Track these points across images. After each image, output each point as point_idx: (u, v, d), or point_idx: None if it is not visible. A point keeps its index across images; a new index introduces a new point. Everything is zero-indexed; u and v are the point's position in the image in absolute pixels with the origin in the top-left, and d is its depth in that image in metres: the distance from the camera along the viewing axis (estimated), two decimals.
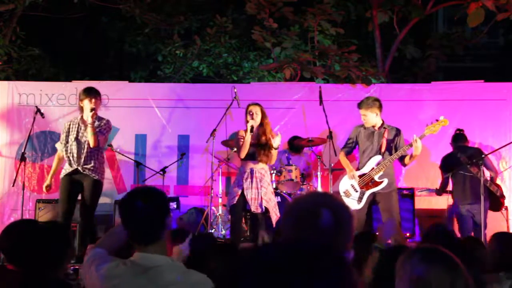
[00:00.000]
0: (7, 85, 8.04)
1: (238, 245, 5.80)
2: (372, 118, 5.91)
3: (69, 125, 6.02)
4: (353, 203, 5.84)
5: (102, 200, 6.35)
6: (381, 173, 5.80)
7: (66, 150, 5.93)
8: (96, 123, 5.86)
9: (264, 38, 9.32)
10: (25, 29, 10.18)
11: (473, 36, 11.46)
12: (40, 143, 7.81)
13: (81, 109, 5.93)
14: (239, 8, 11.13)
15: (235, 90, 6.96)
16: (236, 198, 5.81)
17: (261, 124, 5.91)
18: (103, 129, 5.93)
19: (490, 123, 7.55)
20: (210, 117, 7.35)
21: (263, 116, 5.92)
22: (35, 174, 7.75)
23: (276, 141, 5.81)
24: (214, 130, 6.80)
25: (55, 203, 7.27)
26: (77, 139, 5.90)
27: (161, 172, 7.40)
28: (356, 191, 5.88)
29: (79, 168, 5.85)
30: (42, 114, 7.06)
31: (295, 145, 7.44)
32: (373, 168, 5.83)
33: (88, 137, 5.79)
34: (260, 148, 5.87)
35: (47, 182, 6.20)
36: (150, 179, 7.44)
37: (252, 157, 5.88)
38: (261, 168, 5.91)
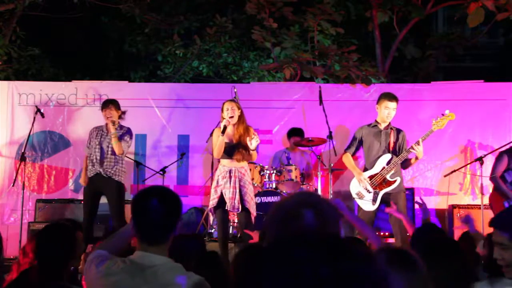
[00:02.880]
0: (7, 85, 8.04)
1: (226, 246, 5.76)
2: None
3: (94, 131, 6.41)
4: (368, 204, 5.73)
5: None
6: (392, 171, 5.70)
7: (90, 154, 6.30)
8: (118, 131, 6.25)
9: (264, 38, 9.32)
10: (25, 29, 10.18)
11: (473, 36, 11.47)
12: (40, 143, 7.81)
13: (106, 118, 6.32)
14: (239, 8, 11.13)
15: (235, 90, 6.94)
16: (216, 200, 5.74)
17: (237, 120, 5.82)
18: (125, 137, 6.28)
19: (490, 123, 7.54)
20: (210, 117, 7.34)
21: (241, 113, 5.86)
22: (35, 174, 7.76)
23: (253, 144, 5.68)
24: (214, 130, 6.79)
25: (55, 203, 7.30)
26: (99, 144, 6.28)
27: (161, 172, 7.40)
28: (369, 192, 5.75)
29: (101, 171, 6.22)
30: (42, 114, 7.09)
31: (293, 141, 7.41)
32: (384, 167, 5.72)
33: (113, 146, 6.20)
34: (235, 146, 5.78)
35: (83, 177, 6.44)
36: (150, 179, 7.44)
37: (229, 155, 5.80)
38: (240, 167, 5.80)
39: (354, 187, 5.88)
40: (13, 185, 7.15)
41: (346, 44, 9.59)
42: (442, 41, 11.20)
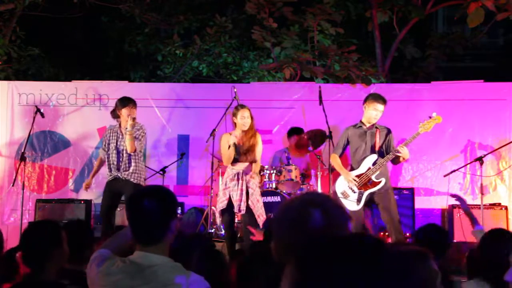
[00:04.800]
0: (7, 85, 8.04)
1: (234, 246, 5.82)
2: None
3: (109, 133, 6.26)
4: (352, 204, 5.79)
5: (99, 200, 6.38)
6: (378, 172, 5.75)
7: (108, 158, 6.19)
8: (134, 130, 6.12)
9: (264, 38, 9.32)
10: (25, 29, 10.18)
11: (473, 36, 11.45)
12: (40, 143, 7.82)
13: (118, 117, 6.20)
14: (239, 8, 11.14)
15: (235, 90, 6.96)
16: (226, 202, 5.85)
17: (248, 127, 5.92)
18: (138, 135, 6.15)
19: (490, 123, 7.54)
20: (210, 117, 7.35)
21: (251, 120, 5.93)
22: (35, 174, 7.76)
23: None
24: (214, 130, 6.80)
25: (55, 203, 7.30)
26: (116, 147, 6.15)
27: (161, 172, 7.40)
28: (354, 192, 5.81)
29: (119, 175, 6.10)
30: (42, 114, 7.09)
31: (293, 141, 7.41)
32: (369, 168, 5.78)
33: (126, 143, 6.04)
34: (243, 151, 5.89)
35: (87, 181, 6.52)
36: (150, 179, 7.44)
37: (237, 159, 5.91)
38: (247, 169, 5.93)
39: (340, 187, 5.95)
40: (13, 185, 7.15)
41: (346, 44, 9.58)
42: (442, 41, 11.19)
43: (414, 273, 0.99)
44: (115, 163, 6.12)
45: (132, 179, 6.09)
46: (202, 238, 3.36)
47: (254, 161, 5.99)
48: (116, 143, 6.15)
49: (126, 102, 6.15)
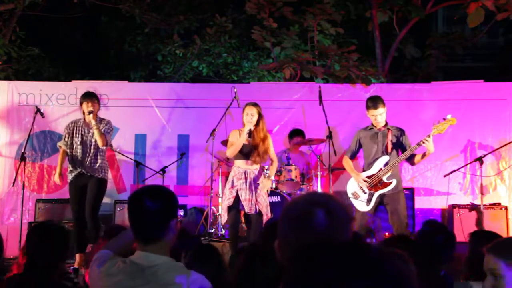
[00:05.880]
0: (7, 85, 8.03)
1: (236, 245, 5.83)
2: (385, 116, 5.89)
3: (73, 126, 6.23)
4: (362, 204, 5.80)
5: (104, 200, 6.37)
6: (389, 173, 5.74)
7: (72, 153, 6.16)
8: (99, 124, 6.09)
9: (264, 38, 9.32)
10: (25, 29, 10.18)
11: (473, 36, 11.47)
12: (40, 143, 7.81)
13: (83, 112, 6.19)
14: (239, 8, 11.14)
15: (235, 90, 6.96)
16: (232, 200, 5.83)
17: (257, 124, 5.90)
18: (107, 129, 6.14)
19: (490, 123, 7.54)
20: (210, 117, 7.35)
21: (260, 117, 5.92)
22: (35, 174, 7.75)
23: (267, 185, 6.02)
24: (214, 130, 6.80)
25: (55, 203, 7.30)
26: (82, 142, 6.14)
27: (161, 172, 7.40)
28: (365, 193, 5.82)
29: (83, 170, 6.10)
30: (42, 114, 7.10)
31: (295, 142, 7.43)
32: (381, 169, 5.77)
33: (96, 138, 6.03)
34: (254, 149, 5.88)
35: (58, 172, 6.30)
36: (150, 179, 7.44)
37: (246, 157, 5.90)
38: (255, 169, 5.93)
39: (351, 187, 5.97)
40: (13, 185, 7.15)
41: (346, 44, 9.59)
42: (442, 41, 11.20)
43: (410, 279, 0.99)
44: (80, 158, 6.11)
45: (96, 174, 6.11)
46: (193, 239, 3.36)
47: (261, 162, 5.99)
48: (82, 138, 6.15)
49: (83, 98, 6.18)
